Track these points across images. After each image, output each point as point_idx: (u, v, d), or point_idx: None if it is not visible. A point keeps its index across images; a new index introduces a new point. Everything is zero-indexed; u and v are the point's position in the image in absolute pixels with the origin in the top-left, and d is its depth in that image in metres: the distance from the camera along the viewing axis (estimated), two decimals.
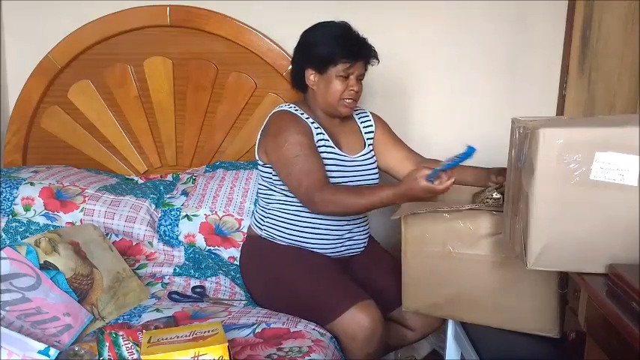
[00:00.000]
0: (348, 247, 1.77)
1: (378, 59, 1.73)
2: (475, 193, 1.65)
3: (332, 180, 1.68)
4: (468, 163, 1.80)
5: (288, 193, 1.70)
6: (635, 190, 1.00)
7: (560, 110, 2.12)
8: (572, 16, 2.05)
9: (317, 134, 1.69)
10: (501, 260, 1.39)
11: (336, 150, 1.72)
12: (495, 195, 1.54)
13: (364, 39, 1.71)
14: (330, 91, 1.68)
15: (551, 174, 1.03)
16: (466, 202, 1.60)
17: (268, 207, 1.78)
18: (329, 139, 1.72)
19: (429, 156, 1.85)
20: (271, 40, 2.13)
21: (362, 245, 1.81)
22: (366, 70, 1.72)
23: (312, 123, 1.71)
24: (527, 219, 1.07)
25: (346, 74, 1.67)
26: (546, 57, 2.13)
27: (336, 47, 1.65)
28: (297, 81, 1.77)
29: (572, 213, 1.04)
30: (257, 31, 2.13)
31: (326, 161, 1.68)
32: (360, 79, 1.71)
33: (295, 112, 1.72)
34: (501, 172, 1.59)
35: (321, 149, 1.69)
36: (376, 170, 1.82)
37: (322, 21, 1.73)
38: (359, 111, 1.87)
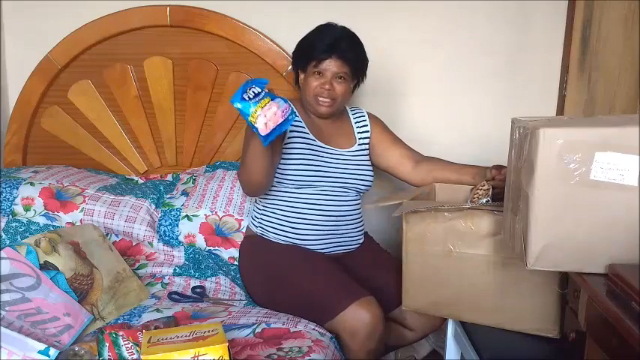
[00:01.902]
0: (341, 244, 1.77)
1: (366, 58, 1.74)
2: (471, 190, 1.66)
3: (308, 168, 1.71)
4: (468, 163, 1.80)
5: (279, 189, 1.73)
6: (635, 190, 1.00)
7: (560, 110, 2.12)
8: (572, 16, 2.05)
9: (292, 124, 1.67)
10: (502, 260, 1.39)
11: (317, 142, 1.74)
12: (482, 200, 1.55)
13: (343, 35, 1.70)
14: (306, 88, 1.72)
15: (551, 174, 1.03)
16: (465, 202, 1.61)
17: (261, 204, 1.79)
18: (309, 132, 1.74)
19: (429, 155, 1.85)
20: (271, 40, 2.13)
21: (355, 242, 1.82)
22: (351, 71, 1.71)
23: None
24: (527, 219, 1.07)
25: (319, 70, 1.68)
26: (546, 57, 2.13)
27: (311, 43, 1.70)
28: (296, 82, 1.82)
29: (572, 213, 1.04)
30: (257, 31, 2.14)
31: (300, 150, 1.70)
32: (339, 76, 1.69)
33: None
34: (498, 168, 1.59)
35: (295, 135, 1.71)
36: (369, 167, 1.82)
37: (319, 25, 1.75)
38: (355, 111, 1.88)
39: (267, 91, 1.42)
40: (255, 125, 1.38)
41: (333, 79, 1.69)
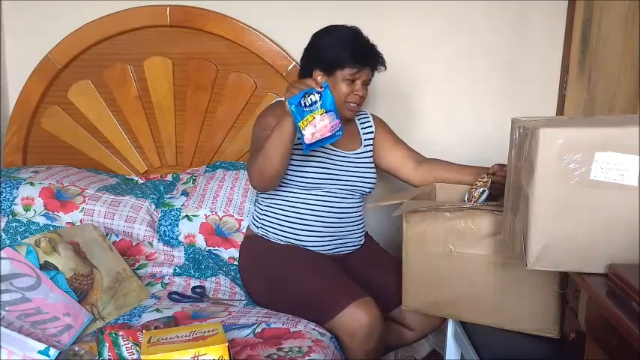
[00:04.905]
0: (342, 245, 1.77)
1: (385, 66, 1.75)
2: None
3: (317, 171, 1.70)
4: (468, 163, 1.80)
5: (284, 190, 1.72)
6: (635, 190, 1.00)
7: (560, 110, 2.12)
8: (572, 16, 2.05)
9: None
10: (502, 260, 1.39)
11: (329, 145, 1.73)
12: (478, 191, 1.55)
13: (373, 46, 1.73)
14: (335, 94, 1.69)
15: (551, 174, 1.03)
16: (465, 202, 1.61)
17: (263, 205, 1.79)
18: None
19: (429, 156, 1.86)
20: (271, 40, 2.13)
21: (357, 243, 1.82)
22: (372, 75, 1.75)
23: None
24: (527, 219, 1.07)
25: (352, 78, 1.69)
26: (546, 57, 2.14)
27: (344, 52, 1.67)
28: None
29: (572, 213, 1.04)
30: (257, 31, 2.14)
31: (313, 153, 1.69)
32: (366, 84, 1.73)
33: None
34: (501, 165, 1.59)
35: None
36: (373, 169, 1.82)
37: (334, 24, 1.74)
38: (359, 112, 1.88)
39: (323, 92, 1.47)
40: (303, 132, 1.46)
41: (361, 85, 1.71)
